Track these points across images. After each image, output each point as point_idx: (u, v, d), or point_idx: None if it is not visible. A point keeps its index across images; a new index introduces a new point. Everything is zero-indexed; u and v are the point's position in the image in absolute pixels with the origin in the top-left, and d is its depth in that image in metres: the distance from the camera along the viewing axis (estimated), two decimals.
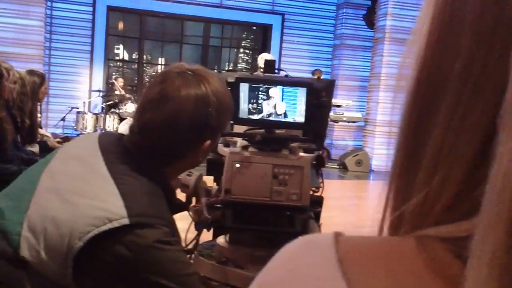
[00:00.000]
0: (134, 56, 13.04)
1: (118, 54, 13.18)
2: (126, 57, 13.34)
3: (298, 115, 1.80)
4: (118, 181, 1.27)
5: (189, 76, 1.38)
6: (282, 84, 1.82)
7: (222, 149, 1.81)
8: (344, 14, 11.51)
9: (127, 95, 10.37)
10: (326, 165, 2.00)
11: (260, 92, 1.82)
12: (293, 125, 1.85)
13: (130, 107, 9.94)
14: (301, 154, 1.85)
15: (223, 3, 11.62)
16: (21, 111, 3.94)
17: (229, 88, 1.64)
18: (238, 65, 13.92)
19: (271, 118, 1.82)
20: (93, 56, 10.99)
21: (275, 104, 1.80)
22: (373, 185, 9.63)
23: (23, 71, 4.30)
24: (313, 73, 9.71)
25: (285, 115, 1.82)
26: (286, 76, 2.28)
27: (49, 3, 10.19)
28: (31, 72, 4.41)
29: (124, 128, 9.69)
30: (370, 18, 10.77)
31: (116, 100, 10.17)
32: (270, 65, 2.26)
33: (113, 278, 1.24)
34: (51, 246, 1.21)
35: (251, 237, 1.93)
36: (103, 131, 1.52)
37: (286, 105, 1.79)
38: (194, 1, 11.35)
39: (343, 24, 11.53)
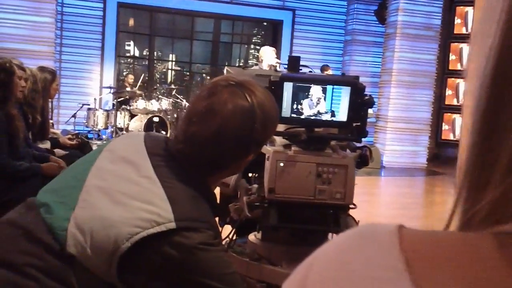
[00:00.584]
0: (145, 52, 13.08)
1: (128, 51, 13.22)
2: (137, 53, 13.38)
3: (341, 113, 1.80)
4: (165, 184, 1.31)
5: (236, 90, 1.39)
6: (328, 83, 1.81)
7: (264, 148, 1.80)
8: (355, 9, 11.46)
9: (138, 92, 10.39)
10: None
11: (303, 91, 1.81)
12: (336, 124, 1.85)
13: (141, 104, 9.97)
14: (345, 152, 1.85)
15: None
16: (32, 108, 3.95)
17: (272, 87, 1.64)
18: (249, 61, 13.92)
19: (314, 117, 1.82)
20: (103, 53, 11.02)
21: (319, 103, 1.80)
22: (385, 182, 9.60)
23: (34, 68, 4.32)
24: (321, 69, 9.66)
25: (328, 113, 1.82)
26: (310, 72, 2.28)
27: (59, 0, 10.21)
28: (42, 69, 4.42)
29: (135, 125, 9.73)
30: (381, 13, 10.72)
31: (127, 97, 10.19)
32: (294, 62, 2.27)
33: (159, 277, 1.29)
34: (97, 244, 1.25)
35: (284, 234, 1.94)
36: (147, 132, 1.52)
37: (329, 104, 1.80)
38: None
39: (354, 20, 11.49)
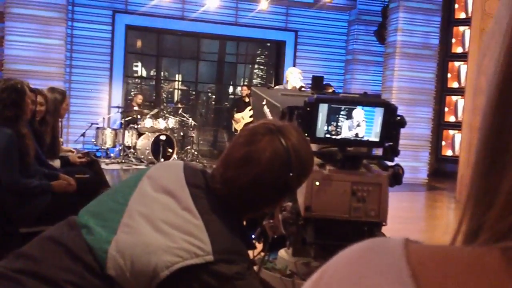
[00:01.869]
0: (152, 73, 13.23)
1: (136, 71, 13.40)
2: (144, 74, 13.54)
3: (374, 133, 1.82)
4: (205, 217, 1.37)
5: (274, 138, 1.43)
6: (362, 104, 1.82)
7: None
8: (356, 30, 11.65)
9: (145, 111, 10.56)
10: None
11: (338, 112, 1.81)
12: (370, 143, 1.86)
13: (148, 123, 10.12)
14: (379, 171, 1.86)
15: (238, 21, 11.83)
16: (43, 126, 4.04)
17: (308, 109, 1.65)
18: (253, 80, 14.11)
19: (347, 137, 1.84)
20: (112, 73, 11.18)
21: (359, 126, 1.82)
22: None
23: (44, 88, 4.41)
24: (324, 87, 9.86)
25: (361, 133, 1.82)
26: (334, 92, 2.28)
27: (69, 23, 10.41)
28: (52, 90, 4.48)
29: (142, 143, 9.92)
30: (381, 33, 10.90)
31: (135, 116, 10.34)
32: (318, 81, 2.27)
33: None
34: (137, 269, 1.30)
35: (315, 250, 1.94)
36: (185, 162, 1.53)
37: (364, 124, 1.80)
38: (209, 19, 11.57)
39: (354, 40, 11.68)
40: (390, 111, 1.81)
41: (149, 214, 1.37)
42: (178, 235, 1.32)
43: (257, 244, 1.80)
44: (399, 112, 1.85)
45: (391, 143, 1.90)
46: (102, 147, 10.02)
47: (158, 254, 1.29)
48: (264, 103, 2.12)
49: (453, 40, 11.21)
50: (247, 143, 1.44)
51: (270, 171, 1.41)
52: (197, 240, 1.32)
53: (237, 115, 10.58)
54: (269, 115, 2.11)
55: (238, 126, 10.53)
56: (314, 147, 1.85)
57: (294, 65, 11.97)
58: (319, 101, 1.81)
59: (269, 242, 1.83)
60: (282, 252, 2.08)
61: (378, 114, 1.80)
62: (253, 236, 1.81)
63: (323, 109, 1.82)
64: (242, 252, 1.42)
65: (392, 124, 1.83)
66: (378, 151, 2.09)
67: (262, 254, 1.84)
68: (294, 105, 1.93)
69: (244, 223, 1.60)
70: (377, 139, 1.81)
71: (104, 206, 1.47)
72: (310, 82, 2.62)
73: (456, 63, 11.16)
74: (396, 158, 1.97)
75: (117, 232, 1.35)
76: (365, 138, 1.82)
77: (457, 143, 10.92)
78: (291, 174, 1.41)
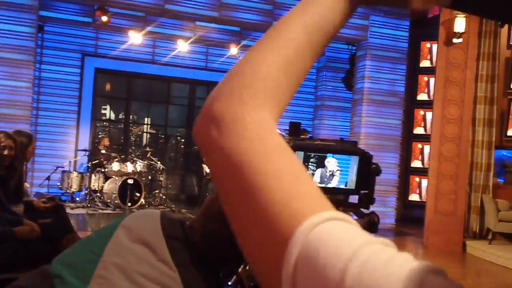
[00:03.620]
0: (121, 116, 13.22)
1: (105, 114, 13.36)
2: (113, 117, 13.52)
3: (350, 180, 1.82)
4: (181, 269, 1.35)
5: None
6: (337, 153, 1.84)
7: None
8: (324, 76, 11.91)
9: (113, 154, 10.48)
10: None
11: (313, 160, 1.81)
12: (346, 191, 1.87)
13: (115, 166, 10.03)
14: (354, 219, 1.88)
15: (208, 65, 12.00)
16: (9, 171, 3.95)
17: None
18: None
19: (322, 185, 1.83)
20: (80, 116, 11.13)
21: (333, 176, 1.82)
22: None
23: (11, 131, 4.32)
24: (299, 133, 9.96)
25: (337, 180, 1.81)
26: (310, 136, 2.30)
27: (37, 65, 10.38)
28: (18, 133, 4.44)
29: (109, 187, 9.78)
30: (349, 80, 11.16)
31: (102, 159, 10.25)
32: (295, 128, 2.30)
33: None
34: None
35: None
36: (163, 212, 1.46)
37: (339, 171, 1.81)
38: (180, 63, 11.70)
39: (323, 86, 11.92)
40: (365, 159, 1.84)
41: (124, 265, 1.34)
42: (153, 287, 1.30)
43: None
44: None
45: (367, 191, 1.89)
46: (68, 191, 9.87)
47: None
48: None
49: (421, 88, 11.55)
50: None
51: None
52: None
53: None
54: None
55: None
56: None
57: None
58: (295, 149, 1.82)
59: None
60: None
61: (353, 162, 1.81)
62: (229, 284, 1.79)
63: (299, 157, 1.83)
64: None
65: (368, 172, 1.84)
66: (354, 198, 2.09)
67: None
68: None
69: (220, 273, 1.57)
70: (353, 187, 1.82)
71: (78, 256, 1.44)
72: (286, 128, 2.66)
73: (422, 111, 11.46)
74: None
75: (90, 283, 1.32)
76: (342, 186, 1.81)
77: (423, 188, 11.09)
78: None
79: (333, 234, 0.39)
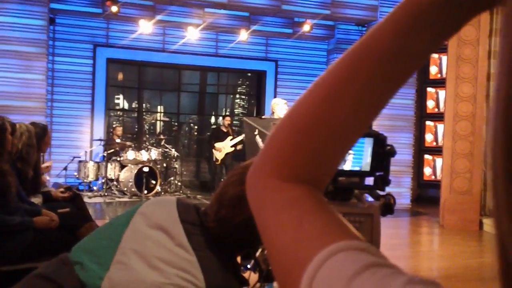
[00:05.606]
0: (134, 105, 13.25)
1: (118, 104, 13.42)
2: (126, 106, 13.56)
3: (364, 163, 1.81)
4: (198, 253, 1.38)
5: None
6: None
7: None
8: (335, 59, 11.79)
9: (128, 143, 10.55)
10: None
11: None
12: (360, 173, 1.86)
13: (130, 155, 10.11)
14: (370, 201, 1.88)
15: (218, 52, 11.96)
16: (25, 162, 3.96)
17: None
18: (235, 110, 14.18)
19: (339, 168, 1.82)
20: (94, 107, 11.20)
21: (347, 158, 1.80)
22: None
23: (26, 123, 4.30)
24: None
25: (351, 163, 1.81)
26: None
27: (50, 58, 10.43)
28: (33, 125, 4.39)
29: (125, 175, 9.88)
30: None
31: (117, 148, 10.32)
32: None
33: None
34: None
35: None
36: (179, 198, 1.48)
37: (353, 154, 1.80)
38: (190, 50, 11.69)
39: None
40: (379, 141, 1.81)
41: (142, 250, 1.37)
42: (171, 271, 1.33)
43: (252, 275, 1.82)
44: None
45: (382, 173, 1.93)
46: (85, 180, 9.97)
47: None
48: (256, 133, 2.12)
49: (433, 67, 11.44)
50: (240, 182, 1.43)
51: None
52: (191, 276, 1.32)
53: (218, 145, 10.61)
54: (261, 145, 2.11)
55: (219, 156, 10.58)
56: None
57: (275, 95, 12.10)
58: None
59: (264, 275, 1.83)
60: (276, 284, 2.08)
61: (367, 144, 1.81)
62: (248, 267, 1.82)
63: None
64: (234, 287, 1.43)
65: (382, 154, 1.83)
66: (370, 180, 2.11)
67: (258, 285, 1.85)
68: None
69: (239, 257, 1.60)
70: (368, 169, 1.80)
71: (97, 243, 1.47)
72: None
73: (436, 89, 11.37)
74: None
75: (110, 269, 1.35)
76: (356, 168, 1.83)
77: (438, 168, 11.04)
78: None
79: (332, 275, 0.41)
